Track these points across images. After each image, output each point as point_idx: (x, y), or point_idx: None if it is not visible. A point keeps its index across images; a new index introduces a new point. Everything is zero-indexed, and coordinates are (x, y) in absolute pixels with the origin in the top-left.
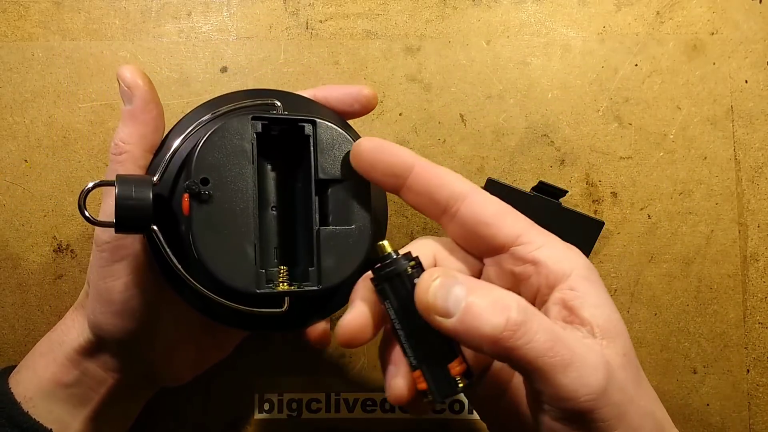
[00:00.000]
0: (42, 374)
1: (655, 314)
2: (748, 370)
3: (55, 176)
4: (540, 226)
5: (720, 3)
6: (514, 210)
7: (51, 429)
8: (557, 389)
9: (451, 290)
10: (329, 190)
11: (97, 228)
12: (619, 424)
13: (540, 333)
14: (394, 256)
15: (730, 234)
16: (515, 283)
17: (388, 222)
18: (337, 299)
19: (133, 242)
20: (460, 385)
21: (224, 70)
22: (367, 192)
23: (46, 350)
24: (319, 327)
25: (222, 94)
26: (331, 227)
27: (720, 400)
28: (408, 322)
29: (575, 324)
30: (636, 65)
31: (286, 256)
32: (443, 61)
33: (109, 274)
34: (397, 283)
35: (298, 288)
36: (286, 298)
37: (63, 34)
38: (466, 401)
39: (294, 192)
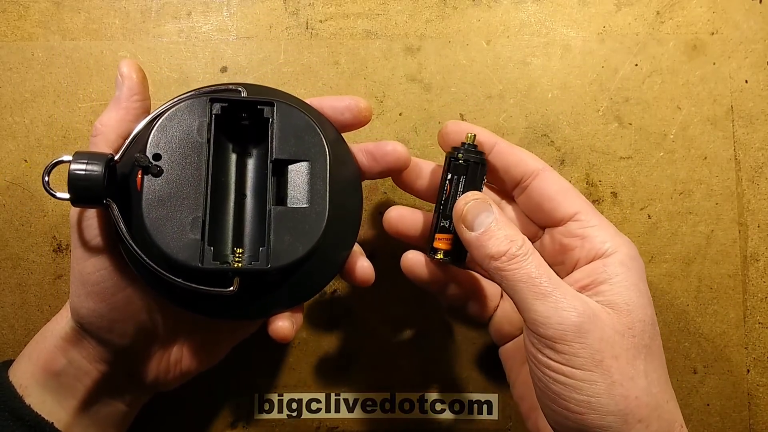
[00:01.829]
0: (35, 362)
1: (656, 314)
2: (748, 370)
3: (54, 176)
4: None
5: (720, 3)
6: (577, 191)
7: (52, 423)
8: (533, 313)
9: (481, 213)
10: (289, 171)
11: (71, 210)
12: (596, 368)
13: (531, 267)
14: (481, 155)
15: (730, 234)
16: (562, 252)
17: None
18: (300, 289)
19: (102, 223)
20: (438, 256)
21: (224, 70)
22: (326, 172)
23: (40, 339)
24: (281, 322)
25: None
26: (285, 206)
27: (720, 400)
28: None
29: (590, 292)
30: (636, 65)
31: (246, 240)
32: (443, 61)
33: (81, 254)
34: (464, 168)
35: (246, 266)
36: (236, 279)
37: (63, 34)
38: (465, 402)
39: (258, 177)
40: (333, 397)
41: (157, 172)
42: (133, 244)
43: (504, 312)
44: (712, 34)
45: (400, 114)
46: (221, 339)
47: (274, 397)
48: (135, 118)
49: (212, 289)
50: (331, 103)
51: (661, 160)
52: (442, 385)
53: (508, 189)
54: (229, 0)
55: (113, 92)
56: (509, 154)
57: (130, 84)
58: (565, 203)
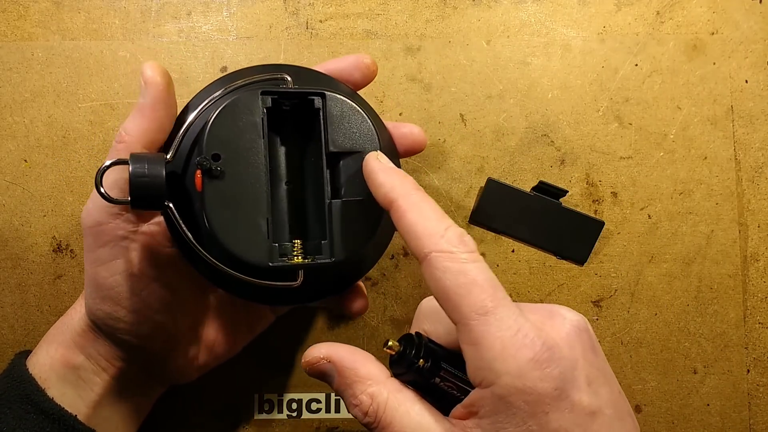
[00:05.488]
0: (54, 356)
1: (655, 314)
2: (748, 370)
3: (54, 176)
4: (540, 226)
5: (720, 3)
6: (469, 283)
7: (75, 415)
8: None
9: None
10: (341, 162)
11: (83, 212)
12: None
13: None
14: (408, 359)
15: (730, 234)
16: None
17: None
18: (352, 272)
19: (116, 227)
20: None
21: (224, 69)
22: None
23: (57, 332)
24: (359, 300)
25: (235, 69)
26: (342, 200)
27: (720, 400)
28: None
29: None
30: (636, 65)
31: (299, 230)
32: (443, 61)
33: (94, 258)
34: (416, 381)
35: (311, 261)
36: (300, 272)
37: (63, 34)
38: None
39: (306, 166)
40: (333, 397)
41: (219, 174)
42: (200, 248)
43: None
44: (712, 34)
45: (400, 114)
46: (239, 332)
47: (274, 397)
48: (159, 128)
49: (280, 283)
50: (336, 65)
51: (661, 160)
52: None
53: None
54: (229, 0)
55: (113, 92)
56: (403, 223)
57: (155, 92)
58: (446, 307)
